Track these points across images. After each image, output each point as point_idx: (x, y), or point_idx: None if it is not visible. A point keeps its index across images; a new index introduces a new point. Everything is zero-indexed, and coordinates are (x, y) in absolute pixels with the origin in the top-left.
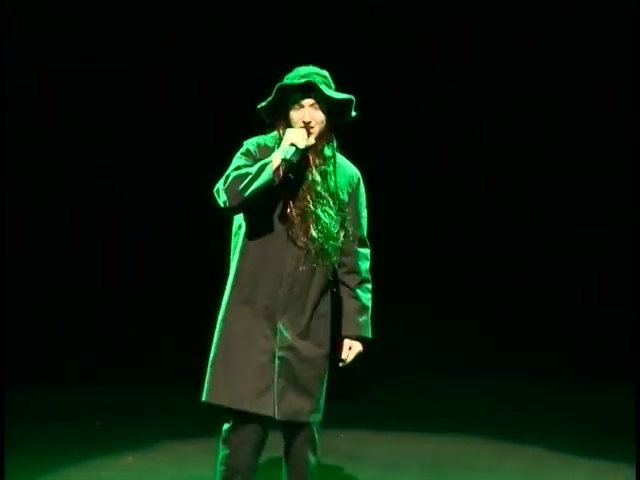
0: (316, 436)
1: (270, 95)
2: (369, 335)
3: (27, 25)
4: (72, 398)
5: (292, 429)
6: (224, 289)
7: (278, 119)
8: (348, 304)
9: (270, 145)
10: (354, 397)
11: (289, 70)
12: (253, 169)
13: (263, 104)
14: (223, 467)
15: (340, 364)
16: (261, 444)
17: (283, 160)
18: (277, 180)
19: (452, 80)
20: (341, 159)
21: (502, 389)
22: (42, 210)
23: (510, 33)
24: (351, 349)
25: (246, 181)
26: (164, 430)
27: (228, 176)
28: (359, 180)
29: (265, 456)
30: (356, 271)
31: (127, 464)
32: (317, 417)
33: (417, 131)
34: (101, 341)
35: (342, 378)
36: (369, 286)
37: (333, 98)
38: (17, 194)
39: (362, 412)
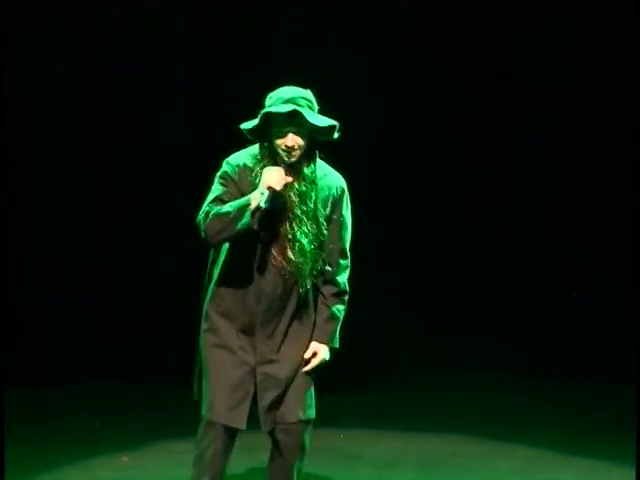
0: (306, 442)
1: (255, 118)
2: (334, 344)
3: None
4: (66, 398)
5: (281, 434)
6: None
7: (260, 137)
8: (321, 312)
9: (250, 165)
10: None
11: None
12: (232, 209)
13: (248, 127)
14: (195, 467)
15: (305, 367)
16: (232, 443)
17: (260, 208)
18: (255, 226)
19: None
20: (326, 171)
21: (502, 389)
22: (43, 210)
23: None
24: (316, 353)
25: (225, 224)
26: (158, 430)
27: (208, 212)
28: (343, 191)
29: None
30: (334, 282)
31: (121, 464)
32: (309, 414)
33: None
34: (96, 341)
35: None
36: (345, 298)
37: (317, 126)
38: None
39: (358, 411)
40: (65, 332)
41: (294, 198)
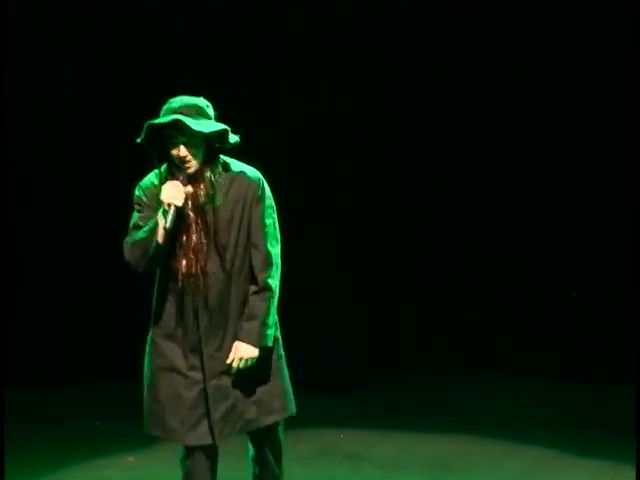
0: (280, 439)
1: (142, 132)
2: (263, 343)
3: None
4: (72, 398)
5: (256, 436)
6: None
7: (161, 151)
8: (245, 311)
9: (157, 184)
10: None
11: None
12: (145, 234)
13: (138, 140)
14: None
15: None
16: (212, 459)
17: (166, 229)
18: (165, 245)
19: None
20: (239, 170)
21: (503, 389)
22: (43, 210)
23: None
24: (236, 352)
25: (142, 249)
26: None
27: (127, 243)
28: (257, 188)
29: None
30: (255, 280)
31: (128, 464)
32: (278, 416)
33: None
34: (100, 340)
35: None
36: (267, 295)
37: (204, 133)
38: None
39: (364, 412)
40: (65, 332)
41: (198, 206)
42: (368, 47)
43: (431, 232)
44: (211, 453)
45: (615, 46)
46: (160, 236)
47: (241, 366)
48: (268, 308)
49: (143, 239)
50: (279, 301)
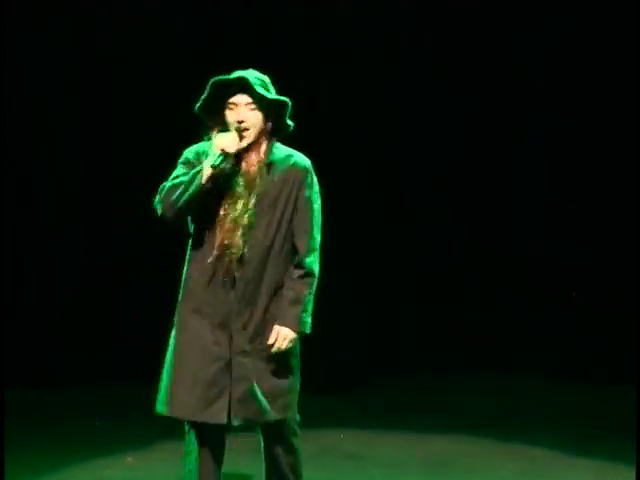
0: (294, 442)
1: (204, 93)
2: (302, 329)
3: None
4: (72, 398)
5: (267, 430)
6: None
7: (216, 120)
8: (285, 295)
9: (209, 152)
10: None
11: None
12: (186, 178)
13: (198, 103)
14: (187, 475)
15: (270, 349)
16: (220, 449)
17: (212, 167)
18: (207, 187)
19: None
20: (288, 153)
21: (503, 389)
22: (43, 210)
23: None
24: (278, 334)
25: (178, 192)
26: (165, 429)
27: (164, 187)
28: (306, 173)
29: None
30: (299, 264)
31: (127, 464)
32: (285, 414)
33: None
34: (100, 340)
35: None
36: (310, 280)
37: (266, 98)
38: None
39: (364, 412)
40: (65, 332)
41: (247, 179)
42: (368, 47)
43: (431, 232)
44: (217, 451)
45: (615, 46)
46: (204, 178)
47: (282, 347)
48: (310, 294)
49: (181, 182)
50: None
